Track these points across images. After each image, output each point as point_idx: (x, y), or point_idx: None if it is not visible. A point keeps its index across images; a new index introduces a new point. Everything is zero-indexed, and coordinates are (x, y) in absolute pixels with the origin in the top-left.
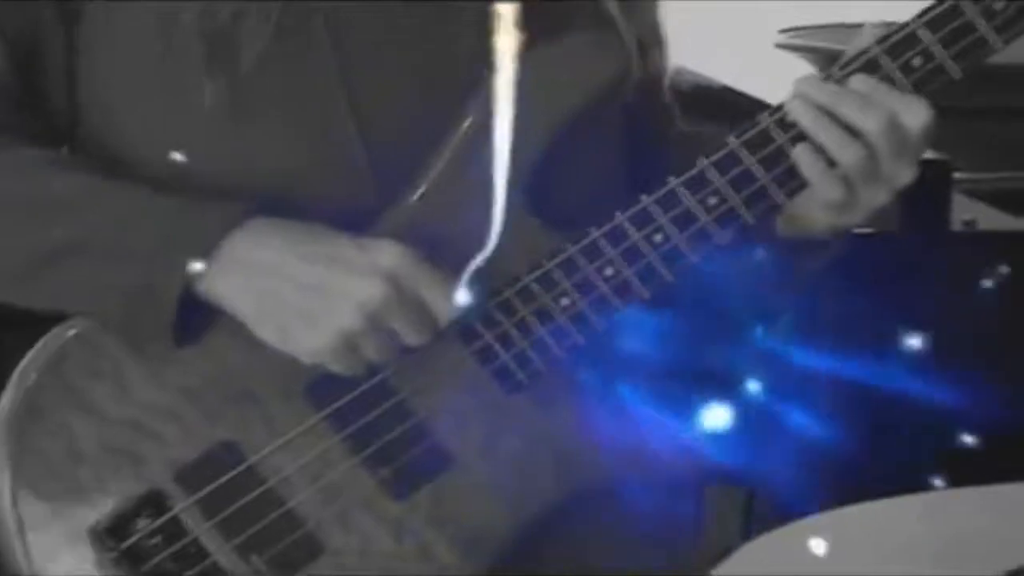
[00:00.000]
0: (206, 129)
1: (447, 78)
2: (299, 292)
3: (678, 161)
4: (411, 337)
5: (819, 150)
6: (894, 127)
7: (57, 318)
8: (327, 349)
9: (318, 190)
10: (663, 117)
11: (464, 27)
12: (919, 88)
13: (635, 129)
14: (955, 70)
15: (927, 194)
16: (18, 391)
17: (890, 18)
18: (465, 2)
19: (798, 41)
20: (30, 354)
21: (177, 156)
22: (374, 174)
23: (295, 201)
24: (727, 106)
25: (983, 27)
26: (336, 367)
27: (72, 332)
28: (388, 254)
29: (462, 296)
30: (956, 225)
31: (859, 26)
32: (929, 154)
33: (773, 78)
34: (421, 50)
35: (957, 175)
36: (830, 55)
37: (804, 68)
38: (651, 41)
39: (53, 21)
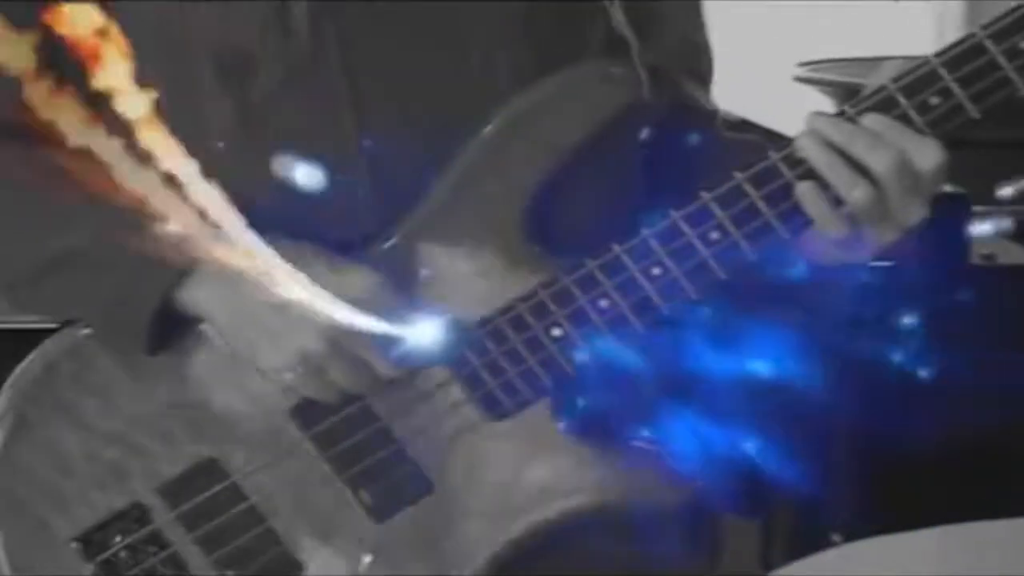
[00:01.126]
0: (214, 150)
1: (460, 115)
2: (267, 310)
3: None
4: (380, 365)
5: (826, 187)
6: (905, 167)
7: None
8: (289, 368)
9: (321, 214)
10: (700, 137)
11: (479, 60)
12: (936, 127)
13: (665, 152)
14: (974, 110)
15: (947, 228)
16: (8, 402)
17: (908, 52)
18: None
19: (817, 74)
20: (22, 365)
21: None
22: (380, 205)
23: (297, 221)
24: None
25: (1007, 67)
26: (305, 391)
27: (64, 344)
28: (357, 279)
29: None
30: (976, 259)
31: (878, 60)
32: (949, 188)
33: (792, 112)
34: (435, 85)
35: (977, 208)
36: (849, 88)
37: (823, 101)
38: (678, 64)
39: None
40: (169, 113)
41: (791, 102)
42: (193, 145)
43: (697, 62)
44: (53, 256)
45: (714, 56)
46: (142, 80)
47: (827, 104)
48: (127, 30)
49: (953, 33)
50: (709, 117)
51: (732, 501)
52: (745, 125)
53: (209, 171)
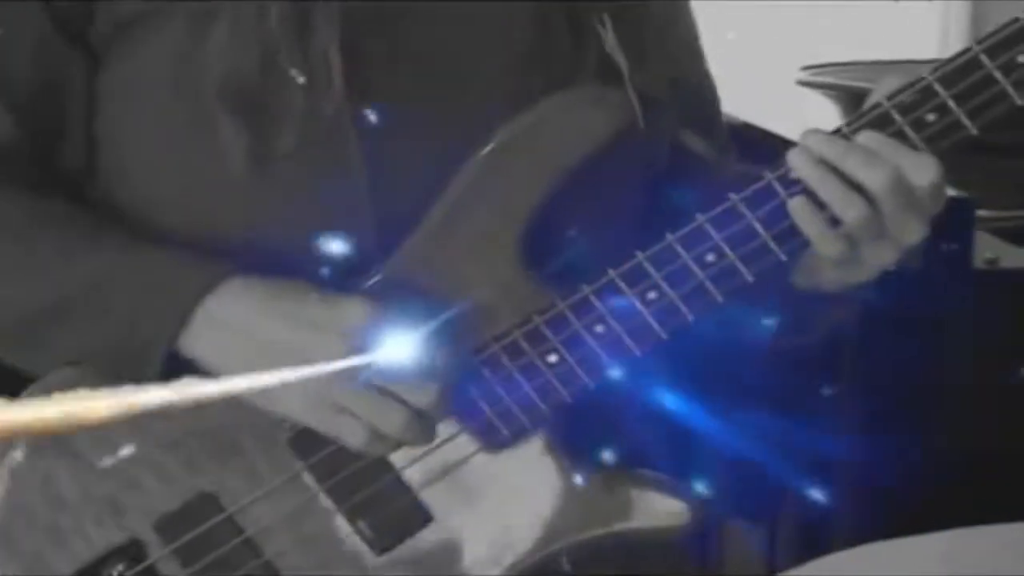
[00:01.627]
0: (218, 191)
1: (463, 142)
2: (267, 351)
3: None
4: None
5: (822, 206)
6: (900, 184)
7: None
8: (300, 408)
9: (322, 253)
10: (698, 170)
11: (482, 88)
12: (933, 144)
13: (663, 183)
14: (972, 126)
15: (950, 232)
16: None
17: (914, 54)
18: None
19: (820, 78)
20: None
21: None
22: (381, 242)
23: (298, 258)
24: (747, 144)
25: (1003, 81)
26: (325, 430)
27: (57, 380)
28: (352, 311)
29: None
30: (979, 263)
31: (880, 63)
32: (952, 191)
33: (794, 115)
34: (437, 111)
35: (980, 212)
36: (851, 92)
37: (826, 105)
38: (672, 93)
39: (75, 72)
40: (185, 151)
41: (795, 105)
42: (205, 179)
43: (697, 92)
44: (38, 309)
45: (717, 65)
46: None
47: (830, 107)
48: (143, 68)
49: (958, 34)
50: (707, 163)
51: (738, 507)
52: (748, 129)
53: (222, 208)
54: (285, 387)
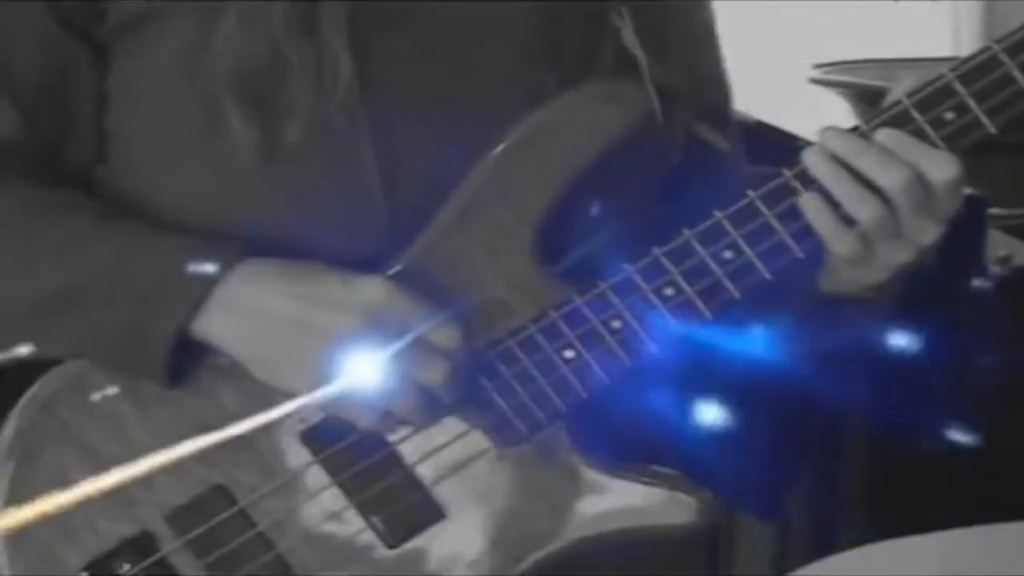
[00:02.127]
0: (229, 185)
1: (477, 138)
2: (284, 330)
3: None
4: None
5: (835, 204)
6: (917, 183)
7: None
8: (310, 387)
9: (334, 241)
10: (713, 163)
11: (496, 83)
12: (952, 143)
13: (679, 177)
14: (990, 125)
15: (962, 230)
16: (14, 431)
17: (925, 52)
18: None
19: (833, 76)
20: (27, 394)
21: None
22: (394, 227)
23: (309, 248)
24: (761, 142)
25: (1022, 81)
26: (341, 411)
27: (68, 373)
28: (368, 289)
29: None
30: (991, 261)
31: (893, 61)
32: (965, 189)
33: (808, 114)
34: (452, 106)
35: (993, 210)
36: (865, 90)
37: (839, 103)
38: (689, 87)
39: (83, 69)
40: (195, 145)
41: (807, 104)
42: (217, 172)
43: (713, 86)
44: (50, 294)
45: (730, 63)
46: (169, 113)
47: (843, 105)
48: (152, 63)
49: (971, 31)
50: (721, 155)
51: (749, 504)
52: (761, 127)
53: (233, 202)
54: (294, 365)
